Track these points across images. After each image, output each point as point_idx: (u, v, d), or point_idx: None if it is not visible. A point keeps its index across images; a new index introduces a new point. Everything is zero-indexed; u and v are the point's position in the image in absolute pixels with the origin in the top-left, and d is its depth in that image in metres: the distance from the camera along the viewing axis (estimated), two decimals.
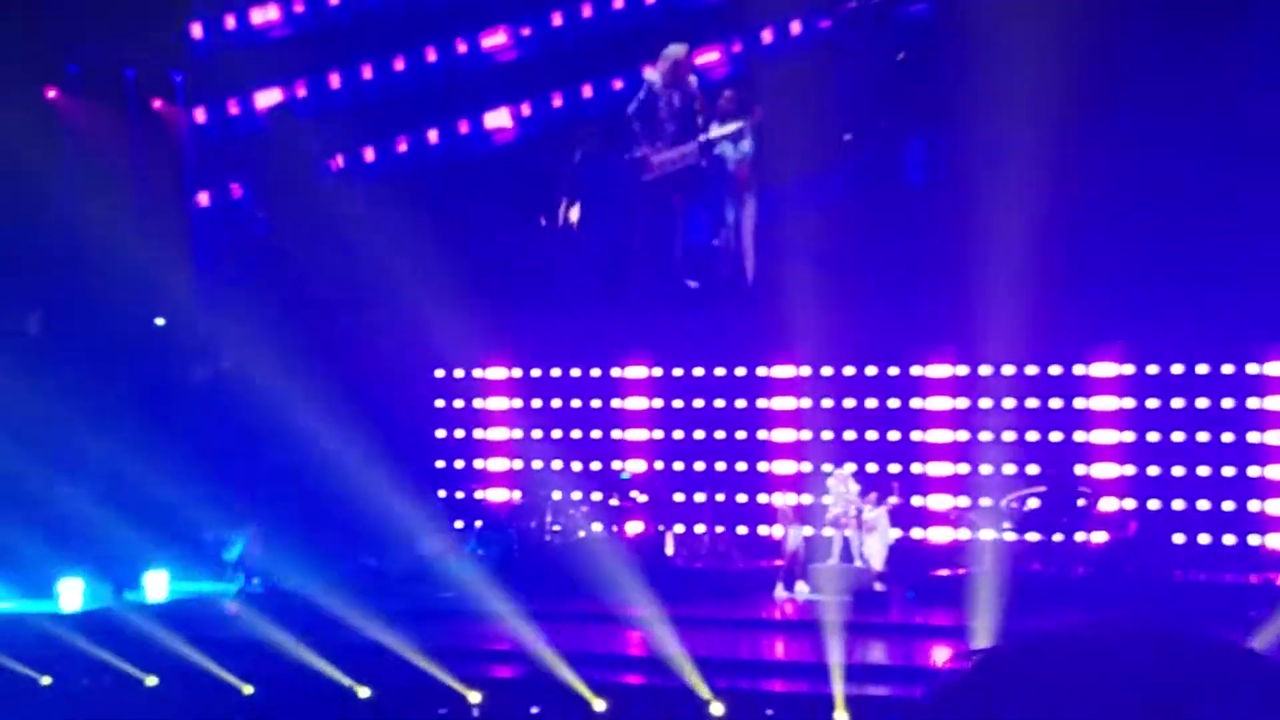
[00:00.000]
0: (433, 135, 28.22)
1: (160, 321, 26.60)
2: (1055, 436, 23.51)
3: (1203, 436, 23.02)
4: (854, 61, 27.32)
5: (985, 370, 23.91)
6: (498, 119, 28.69)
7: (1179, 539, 22.38)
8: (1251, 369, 22.90)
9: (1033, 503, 22.72)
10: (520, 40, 28.47)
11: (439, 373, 26.80)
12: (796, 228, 25.48)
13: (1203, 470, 23.00)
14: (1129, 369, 23.36)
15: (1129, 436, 23.26)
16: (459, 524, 25.49)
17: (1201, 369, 23.10)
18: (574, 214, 27.53)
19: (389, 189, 26.67)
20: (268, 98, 27.22)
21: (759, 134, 26.25)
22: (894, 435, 24.32)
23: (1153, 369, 23.26)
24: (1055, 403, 23.57)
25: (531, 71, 28.62)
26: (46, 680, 19.86)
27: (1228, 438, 22.96)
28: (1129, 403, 23.33)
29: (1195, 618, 19.51)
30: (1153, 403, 23.25)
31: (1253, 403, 22.91)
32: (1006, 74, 22.78)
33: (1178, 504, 22.69)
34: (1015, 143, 23.01)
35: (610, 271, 26.86)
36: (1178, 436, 23.10)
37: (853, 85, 27.08)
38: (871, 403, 24.48)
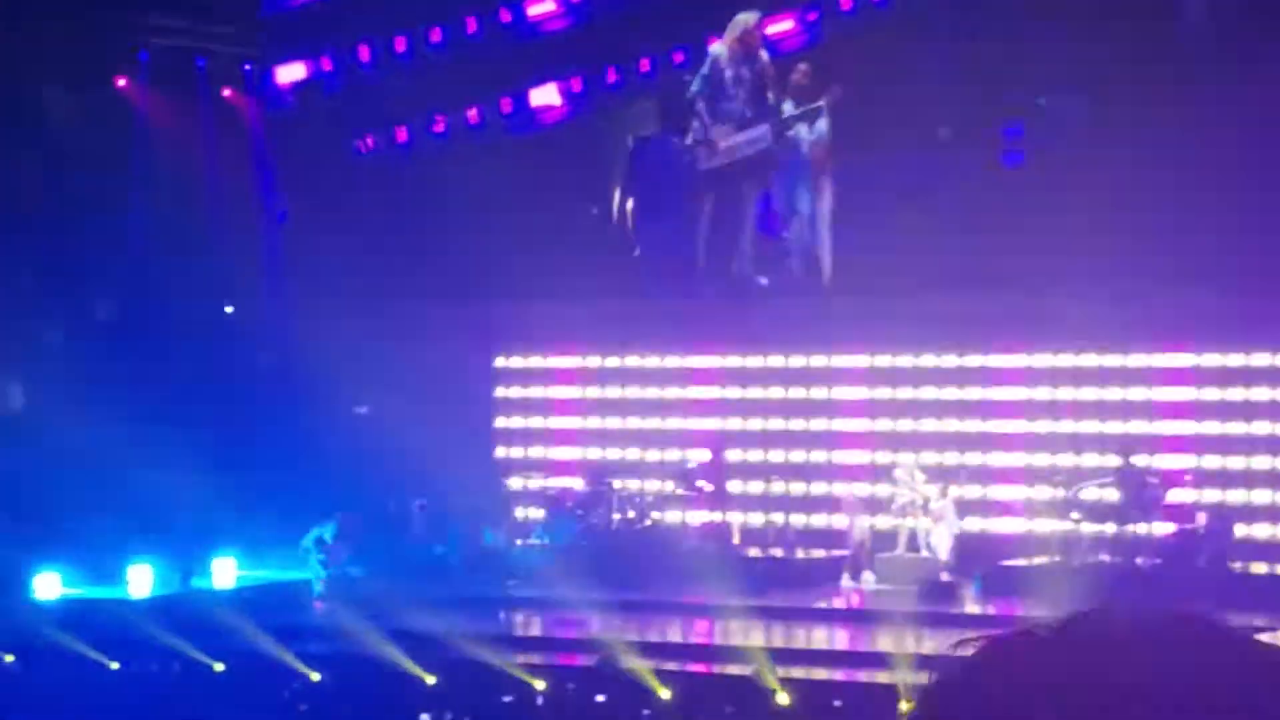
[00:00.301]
0: (472, 114, 27.02)
1: (229, 309, 26.70)
2: (1126, 427, 23.23)
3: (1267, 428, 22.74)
4: (942, 33, 25.83)
5: (1053, 360, 23.63)
6: (545, 95, 27.49)
7: (1248, 530, 22.05)
8: None
9: (1102, 493, 22.51)
10: (570, 7, 27.20)
11: (500, 361, 26.68)
12: (872, 212, 24.62)
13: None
14: (1198, 359, 23.01)
15: (1200, 427, 22.96)
16: (522, 513, 25.45)
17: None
18: (629, 206, 26.83)
19: (427, 170, 26.12)
20: (290, 73, 26.15)
21: (837, 113, 24.81)
22: (962, 425, 24.07)
23: (1219, 359, 22.91)
24: (1125, 393, 23.28)
25: (582, 43, 27.46)
26: (115, 665, 19.96)
27: None
28: (1199, 393, 23.02)
29: (1263, 612, 19.31)
30: (1219, 394, 22.92)
31: None
32: (1103, 52, 22.29)
33: (1248, 495, 22.40)
34: (1110, 124, 22.51)
35: (672, 266, 26.09)
36: (1246, 428, 22.81)
37: (940, 59, 25.85)
38: (939, 392, 24.23)
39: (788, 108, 25.13)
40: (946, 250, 23.80)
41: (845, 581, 22.77)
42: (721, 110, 25.25)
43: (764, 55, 25.30)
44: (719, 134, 25.24)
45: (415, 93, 26.45)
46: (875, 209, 24.46)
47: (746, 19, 25.05)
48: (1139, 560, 21.76)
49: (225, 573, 23.58)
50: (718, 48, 25.25)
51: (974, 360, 24.00)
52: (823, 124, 24.91)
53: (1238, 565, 21.46)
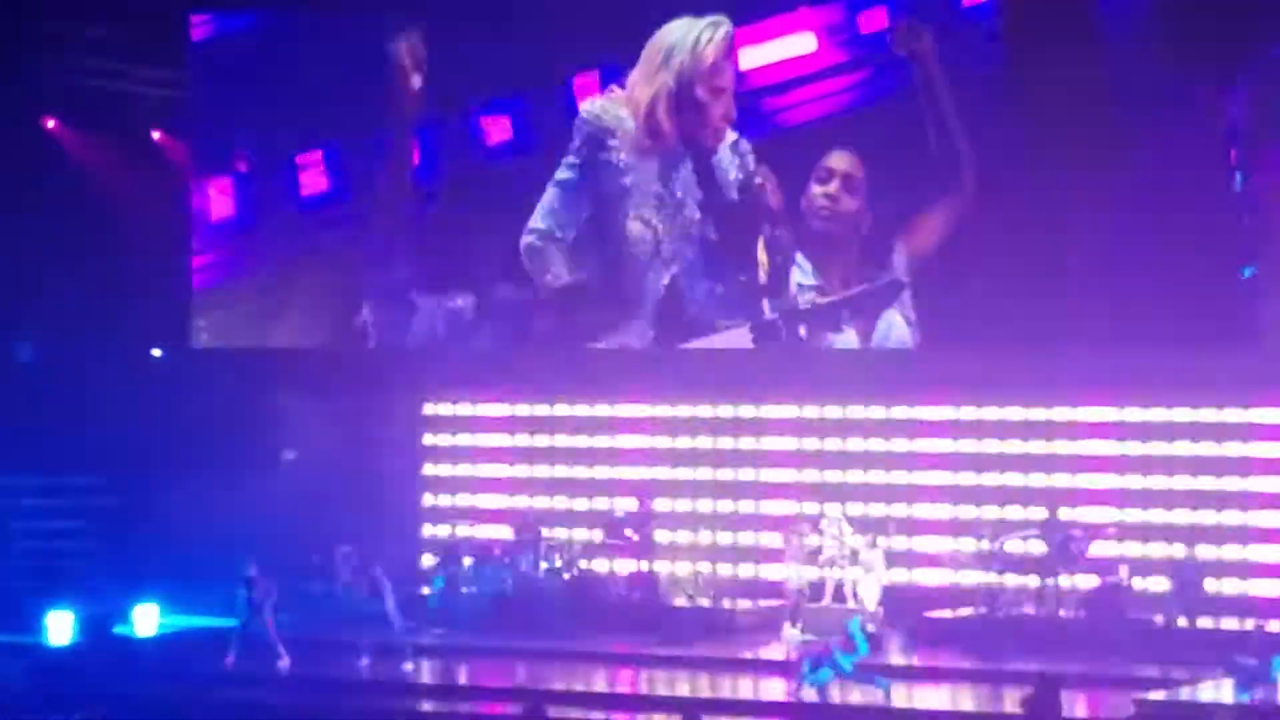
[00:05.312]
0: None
1: (157, 353, 27.11)
2: (1048, 480, 24.02)
3: (1189, 482, 23.55)
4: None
5: (975, 413, 24.35)
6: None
7: (1168, 584, 22.80)
8: (1240, 416, 23.38)
9: (1025, 546, 23.26)
10: None
11: (429, 408, 27.23)
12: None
13: (1191, 516, 23.52)
14: (1119, 414, 23.81)
15: (1121, 481, 23.78)
16: (429, 560, 25.88)
17: (1191, 415, 23.57)
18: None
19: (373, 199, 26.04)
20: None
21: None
22: (889, 476, 24.79)
23: (1143, 414, 23.71)
24: (1048, 446, 24.07)
25: None
26: None
27: (1217, 484, 23.49)
28: (1121, 447, 23.82)
29: (1187, 664, 20.10)
30: (1145, 448, 23.73)
31: (1241, 449, 23.40)
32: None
33: (1169, 549, 23.21)
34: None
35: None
36: (1169, 482, 23.63)
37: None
38: (865, 444, 24.93)
39: (801, 279, 21.03)
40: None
41: (788, 631, 23.14)
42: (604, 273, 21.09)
43: (737, 143, 20.68)
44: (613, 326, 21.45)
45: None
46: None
47: (697, 32, 20.33)
48: (1062, 612, 22.47)
49: (147, 620, 24.00)
50: (602, 105, 21.51)
51: (901, 412, 24.72)
52: (897, 321, 21.14)
53: (1161, 618, 22.10)
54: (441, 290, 24.49)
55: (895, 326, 21.60)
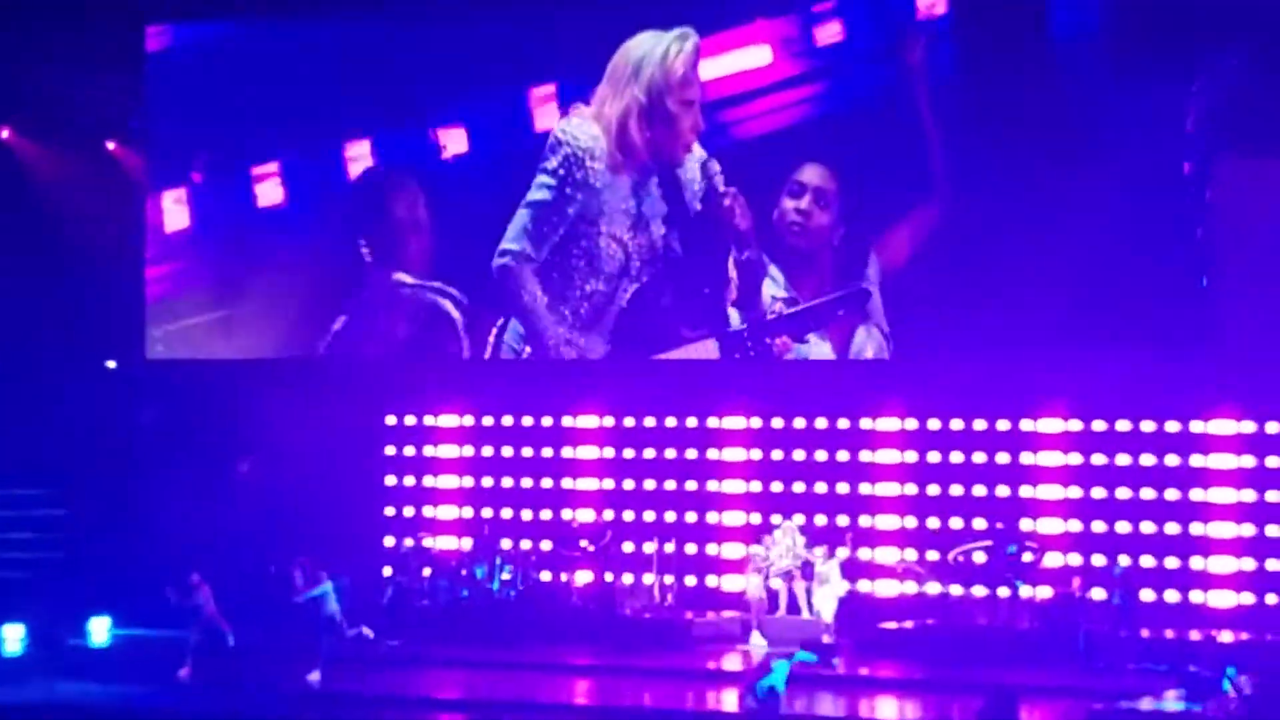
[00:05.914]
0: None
1: (111, 364, 27.09)
2: (1002, 491, 24.20)
3: (1148, 494, 23.74)
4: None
5: (934, 425, 24.55)
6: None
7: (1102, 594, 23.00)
8: (1196, 427, 23.61)
9: (979, 557, 23.41)
10: None
11: (390, 419, 27.28)
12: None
13: (1146, 527, 23.71)
14: (1075, 425, 24.03)
15: (1075, 492, 24.00)
16: (389, 571, 25.91)
17: (1147, 426, 23.80)
18: None
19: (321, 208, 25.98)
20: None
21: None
22: (843, 488, 24.94)
23: (1099, 425, 23.96)
24: (1004, 458, 24.26)
25: None
26: None
27: (1172, 495, 23.68)
28: (1076, 458, 24.03)
29: (1135, 674, 20.27)
30: (1098, 459, 23.95)
31: (1196, 460, 23.62)
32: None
33: (1123, 560, 23.38)
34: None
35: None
36: (1123, 493, 23.83)
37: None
38: (820, 455, 25.08)
39: (775, 291, 21.34)
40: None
41: (756, 640, 23.25)
42: (575, 290, 21.31)
43: (706, 163, 20.79)
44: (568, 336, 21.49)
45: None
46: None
47: (665, 44, 20.57)
48: (1016, 624, 22.63)
49: (101, 632, 24.00)
50: (576, 124, 21.65)
51: (865, 424, 24.86)
52: (874, 333, 21.39)
53: (1113, 629, 22.28)
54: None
55: (871, 339, 21.87)
